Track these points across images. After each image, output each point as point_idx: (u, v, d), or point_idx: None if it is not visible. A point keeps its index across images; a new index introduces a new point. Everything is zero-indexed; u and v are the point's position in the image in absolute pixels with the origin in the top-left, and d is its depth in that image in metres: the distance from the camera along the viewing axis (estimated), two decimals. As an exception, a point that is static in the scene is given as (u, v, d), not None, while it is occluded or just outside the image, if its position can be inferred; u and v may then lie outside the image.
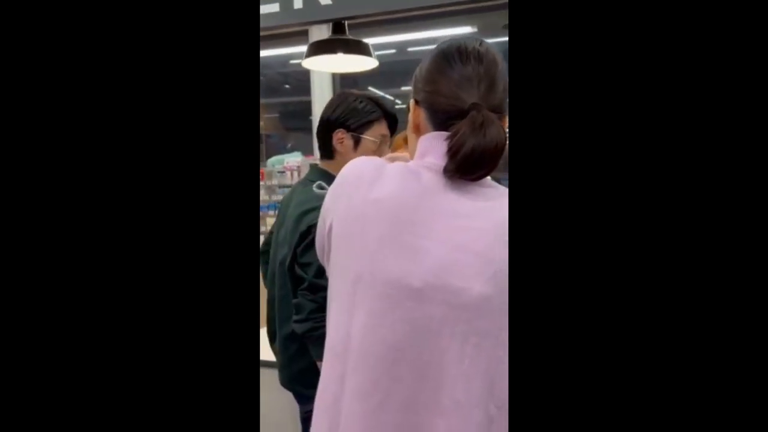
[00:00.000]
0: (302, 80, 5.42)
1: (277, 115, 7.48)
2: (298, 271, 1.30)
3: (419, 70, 0.78)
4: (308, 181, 1.42)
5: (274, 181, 4.86)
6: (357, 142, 1.40)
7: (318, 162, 1.49)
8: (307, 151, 5.05)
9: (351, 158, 0.82)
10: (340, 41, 1.92)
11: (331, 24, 1.92)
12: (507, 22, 0.78)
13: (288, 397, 1.47)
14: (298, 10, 1.79)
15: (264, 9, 1.82)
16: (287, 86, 7.18)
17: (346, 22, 1.90)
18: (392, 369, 0.68)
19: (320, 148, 1.46)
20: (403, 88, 6.08)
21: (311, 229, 1.23)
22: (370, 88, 4.74)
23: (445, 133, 0.72)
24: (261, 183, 4.82)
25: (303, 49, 2.01)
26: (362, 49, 1.95)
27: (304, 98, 5.33)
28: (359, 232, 0.72)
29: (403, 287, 0.68)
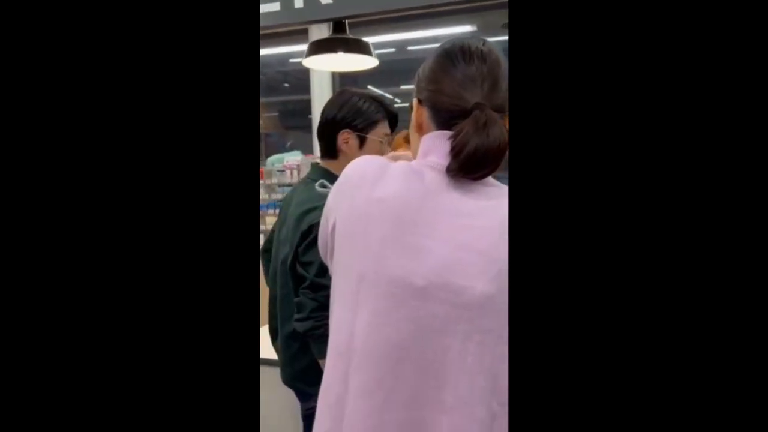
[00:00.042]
0: (302, 79, 5.41)
1: (276, 113, 7.46)
2: (300, 269, 1.30)
3: (422, 70, 0.78)
4: (310, 180, 1.41)
5: (274, 180, 4.84)
6: (362, 142, 1.39)
7: (318, 161, 1.49)
8: (307, 150, 5.05)
9: (355, 158, 0.82)
10: (340, 40, 1.92)
11: (331, 23, 1.92)
12: (507, 20, 0.78)
13: (289, 395, 1.48)
14: (299, 9, 1.79)
15: (264, 8, 1.82)
16: (286, 85, 7.16)
17: (347, 21, 1.90)
18: (396, 367, 0.69)
19: (323, 147, 1.44)
20: (403, 87, 6.07)
21: (313, 228, 1.23)
22: (370, 87, 4.73)
23: (448, 133, 0.72)
24: (260, 182, 4.81)
25: (302, 47, 2.01)
26: (362, 48, 1.95)
27: (303, 97, 5.33)
28: (362, 232, 0.72)
29: (407, 286, 0.69)
